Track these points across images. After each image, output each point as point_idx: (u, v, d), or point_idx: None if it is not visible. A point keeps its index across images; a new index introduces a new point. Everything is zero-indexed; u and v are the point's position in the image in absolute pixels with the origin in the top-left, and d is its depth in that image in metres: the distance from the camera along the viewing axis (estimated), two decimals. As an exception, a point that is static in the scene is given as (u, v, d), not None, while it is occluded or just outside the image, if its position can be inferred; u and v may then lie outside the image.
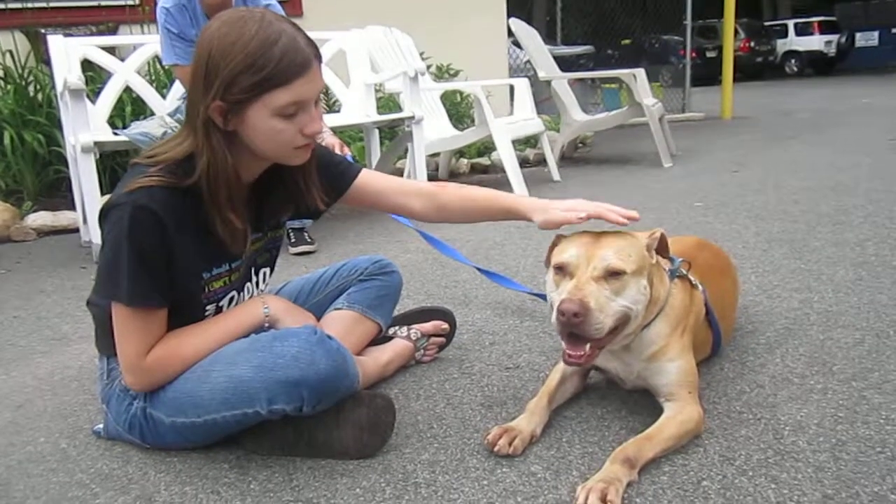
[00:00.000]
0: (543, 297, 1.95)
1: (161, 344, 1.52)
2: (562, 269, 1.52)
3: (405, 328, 2.03)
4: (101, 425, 1.71)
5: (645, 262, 1.54)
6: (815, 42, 22.61)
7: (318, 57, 1.47)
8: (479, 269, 2.65)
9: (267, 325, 1.63)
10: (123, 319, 1.49)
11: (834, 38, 22.59)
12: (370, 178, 1.84)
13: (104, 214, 1.49)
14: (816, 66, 22.51)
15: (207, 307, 1.61)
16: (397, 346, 1.98)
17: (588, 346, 1.46)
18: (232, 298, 1.66)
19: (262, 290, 1.78)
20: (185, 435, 1.57)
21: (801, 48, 22.82)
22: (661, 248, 1.61)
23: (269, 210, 1.67)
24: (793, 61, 23.01)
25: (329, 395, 1.50)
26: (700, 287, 1.74)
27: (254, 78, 1.38)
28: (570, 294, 1.44)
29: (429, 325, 2.07)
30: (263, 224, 1.69)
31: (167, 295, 1.50)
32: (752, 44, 21.83)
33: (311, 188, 1.67)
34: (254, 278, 1.73)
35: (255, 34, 1.38)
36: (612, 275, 1.47)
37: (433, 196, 1.83)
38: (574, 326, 1.42)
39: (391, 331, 2.01)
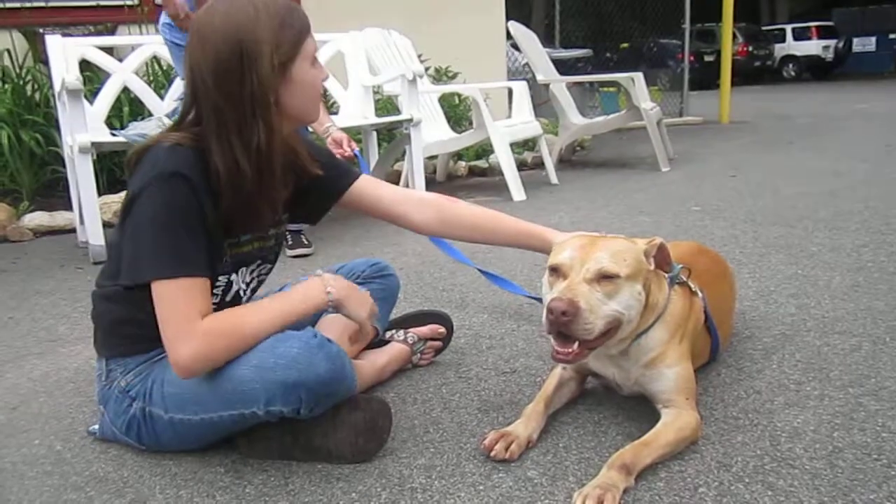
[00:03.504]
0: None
1: (218, 314, 1.47)
2: (556, 271, 1.52)
3: (402, 332, 2.02)
4: (96, 425, 1.70)
5: (641, 267, 1.53)
6: (813, 47, 22.67)
7: None
8: (480, 271, 2.65)
9: (331, 308, 1.57)
10: (165, 293, 1.42)
11: (831, 43, 22.66)
12: (370, 184, 1.85)
13: (132, 200, 1.45)
14: (814, 70, 22.58)
15: (220, 277, 1.59)
16: (394, 350, 1.97)
17: (577, 343, 1.45)
18: (231, 280, 1.64)
19: (253, 284, 1.74)
20: (182, 434, 1.56)
21: (798, 53, 22.88)
22: (663, 258, 1.60)
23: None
24: (790, 66, 23.07)
25: (327, 398, 1.49)
26: (700, 294, 1.73)
27: (293, 30, 1.49)
28: (562, 293, 1.44)
29: (426, 329, 2.07)
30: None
31: (208, 264, 1.49)
32: (750, 48, 21.88)
33: (309, 160, 1.71)
34: (250, 266, 1.69)
35: (257, 3, 1.46)
36: (606, 278, 1.47)
37: (439, 208, 1.83)
38: (562, 326, 1.42)
39: (388, 334, 2.01)
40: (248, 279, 1.69)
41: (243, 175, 1.47)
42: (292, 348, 1.44)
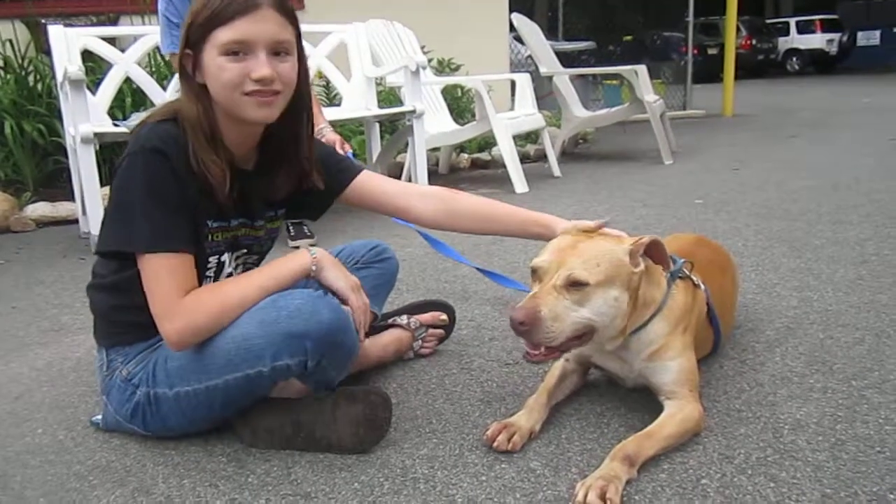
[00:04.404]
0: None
1: (201, 288, 1.51)
2: (534, 273, 1.53)
3: (405, 316, 2.03)
4: (99, 416, 1.70)
5: (619, 271, 1.50)
6: (817, 40, 22.60)
7: (276, 6, 1.47)
8: (479, 269, 2.65)
9: (314, 268, 1.55)
10: (149, 268, 1.46)
11: (836, 36, 22.59)
12: (371, 179, 1.84)
13: (113, 175, 1.51)
14: (818, 64, 22.51)
15: (210, 258, 1.59)
16: (395, 332, 1.99)
17: (542, 347, 1.47)
18: (223, 261, 1.64)
19: (239, 271, 1.72)
20: (189, 411, 1.55)
21: (802, 46, 22.81)
22: (657, 255, 1.57)
23: (272, 188, 1.68)
24: (794, 59, 23.01)
25: (332, 350, 1.48)
26: (703, 286, 1.73)
27: (203, 17, 1.46)
28: (524, 302, 1.46)
29: (428, 316, 2.08)
30: (263, 206, 1.69)
31: (191, 239, 1.50)
32: (754, 41, 21.82)
33: (313, 172, 1.68)
34: (235, 252, 1.68)
35: None
36: (575, 285, 1.46)
37: (443, 200, 1.83)
38: (522, 334, 1.44)
39: (390, 320, 2.01)
40: (233, 264, 1.69)
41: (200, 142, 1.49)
42: (295, 300, 1.45)
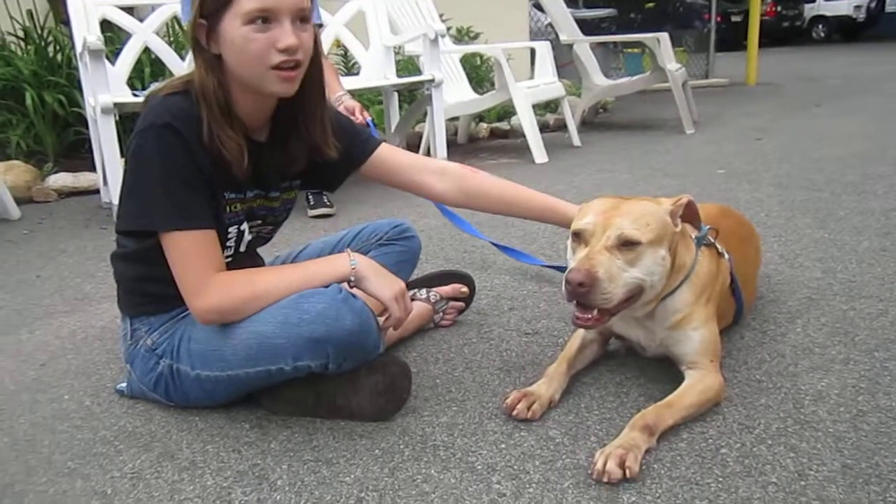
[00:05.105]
0: (563, 269, 1.94)
1: (234, 272, 1.52)
2: (578, 236, 1.51)
3: (425, 290, 2.03)
4: (124, 384, 1.73)
5: (665, 230, 1.51)
6: (844, 7, 22.04)
7: None
8: (495, 244, 2.64)
9: (352, 278, 1.54)
10: (173, 246, 1.47)
11: (863, 2, 22.01)
12: (390, 153, 1.83)
13: (127, 151, 1.50)
14: (844, 31, 21.97)
15: (230, 228, 1.59)
16: (416, 308, 1.98)
17: (596, 310, 1.45)
18: (243, 230, 1.63)
19: (251, 237, 1.71)
20: (209, 390, 1.58)
21: (829, 13, 22.26)
22: (691, 215, 1.58)
23: (286, 160, 1.66)
24: (820, 27, 22.47)
25: (354, 353, 1.49)
26: (727, 256, 1.72)
27: None
28: (580, 263, 1.43)
29: (448, 288, 2.07)
30: (278, 177, 1.68)
31: (211, 214, 1.50)
32: (779, 8, 21.32)
33: (325, 142, 1.65)
34: (250, 223, 1.68)
35: None
36: (627, 244, 1.45)
37: (461, 179, 1.83)
38: (580, 296, 1.41)
39: (410, 293, 2.01)
40: (249, 234, 1.69)
41: (210, 112, 1.47)
42: (318, 304, 1.44)
